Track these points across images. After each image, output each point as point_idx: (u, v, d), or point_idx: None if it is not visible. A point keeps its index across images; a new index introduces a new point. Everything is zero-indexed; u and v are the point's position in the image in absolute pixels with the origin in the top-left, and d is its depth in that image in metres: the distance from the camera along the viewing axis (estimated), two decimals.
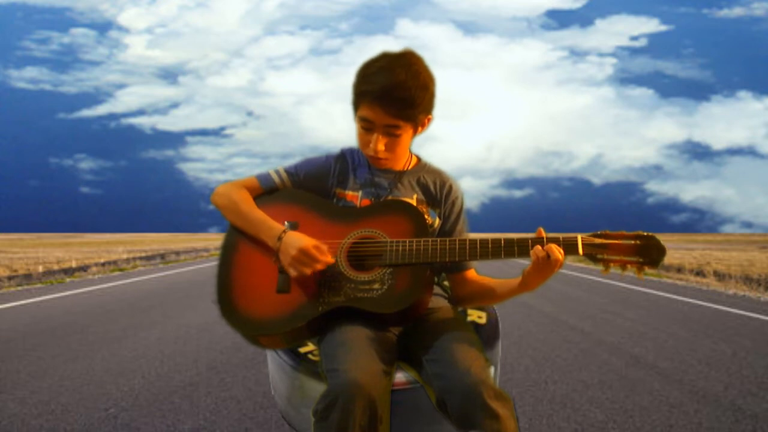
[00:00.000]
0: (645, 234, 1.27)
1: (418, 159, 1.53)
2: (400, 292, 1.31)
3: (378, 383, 1.16)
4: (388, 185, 1.46)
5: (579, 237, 1.28)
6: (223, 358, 3.63)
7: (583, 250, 1.27)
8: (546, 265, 1.26)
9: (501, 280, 1.44)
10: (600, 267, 1.28)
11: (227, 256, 1.44)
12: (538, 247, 1.27)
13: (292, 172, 1.48)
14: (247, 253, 1.42)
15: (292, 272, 1.33)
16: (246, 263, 1.41)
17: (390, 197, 1.44)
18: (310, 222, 1.40)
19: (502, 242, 1.30)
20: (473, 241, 1.31)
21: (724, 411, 2.58)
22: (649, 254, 1.26)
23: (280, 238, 1.35)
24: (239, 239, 1.44)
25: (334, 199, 1.47)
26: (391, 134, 1.38)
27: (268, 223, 1.39)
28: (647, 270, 1.27)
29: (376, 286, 1.32)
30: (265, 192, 1.48)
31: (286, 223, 1.40)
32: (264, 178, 1.48)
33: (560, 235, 1.29)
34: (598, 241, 1.28)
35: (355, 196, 1.45)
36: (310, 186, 1.47)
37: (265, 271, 1.38)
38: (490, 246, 1.30)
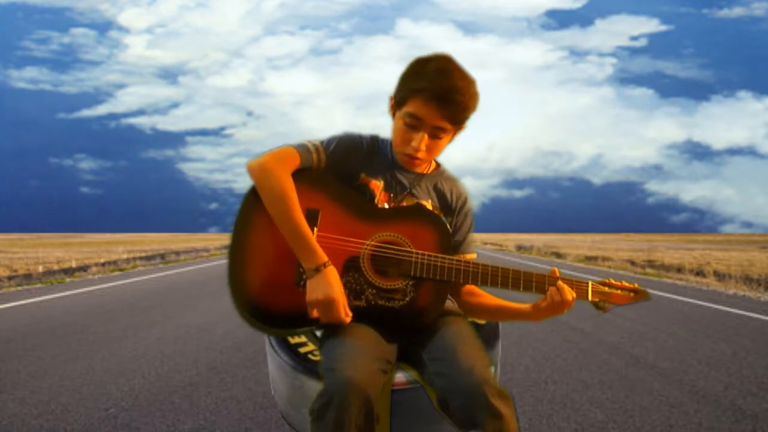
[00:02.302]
0: (641, 289, 1.42)
1: (437, 164, 1.53)
2: (421, 307, 1.33)
3: (374, 382, 1.17)
4: (407, 184, 1.45)
5: (590, 284, 1.40)
6: (223, 358, 3.63)
7: (592, 297, 1.39)
8: (559, 305, 1.35)
9: (504, 303, 1.46)
10: (598, 311, 1.42)
11: (245, 227, 1.36)
12: (554, 288, 1.35)
13: (330, 150, 1.41)
14: (267, 234, 1.34)
15: (309, 308, 1.30)
16: (264, 246, 1.34)
17: (408, 196, 1.44)
18: (333, 213, 1.36)
19: (522, 275, 1.36)
20: (496, 270, 1.36)
21: (724, 411, 2.58)
22: (636, 302, 1.43)
23: (318, 269, 1.29)
24: (261, 218, 1.35)
25: (358, 182, 1.43)
26: (436, 136, 1.37)
27: (310, 245, 1.30)
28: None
29: (398, 296, 1.33)
30: (301, 167, 1.39)
31: (307, 209, 1.35)
32: (302, 151, 1.38)
33: (573, 279, 1.39)
34: (605, 290, 1.41)
35: (378, 186, 1.43)
36: (343, 164, 1.41)
37: (284, 258, 1.33)
38: (510, 278, 1.36)
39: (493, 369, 1.33)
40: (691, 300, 7.12)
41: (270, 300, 1.33)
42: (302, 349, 1.47)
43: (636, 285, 1.43)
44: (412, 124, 1.36)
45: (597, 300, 1.40)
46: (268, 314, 1.33)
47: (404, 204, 1.43)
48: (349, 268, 1.34)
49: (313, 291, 1.28)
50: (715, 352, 3.91)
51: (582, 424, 2.41)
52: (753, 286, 8.53)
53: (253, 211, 1.36)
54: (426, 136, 1.37)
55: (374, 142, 1.47)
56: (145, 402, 2.69)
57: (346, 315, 1.30)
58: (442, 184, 1.50)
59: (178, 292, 7.92)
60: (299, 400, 1.38)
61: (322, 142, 1.42)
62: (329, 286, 1.28)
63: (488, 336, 1.54)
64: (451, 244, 1.38)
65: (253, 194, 1.36)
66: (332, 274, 1.30)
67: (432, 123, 1.35)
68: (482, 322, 1.62)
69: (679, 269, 11.54)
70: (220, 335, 4.36)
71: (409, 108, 1.35)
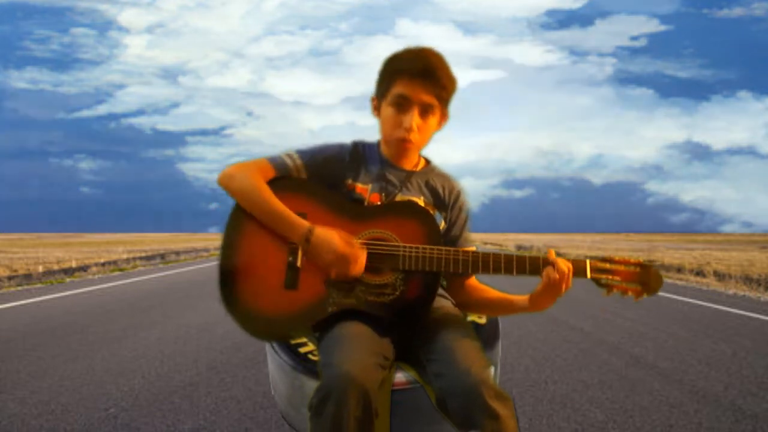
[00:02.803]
0: (647, 264, 1.36)
1: (427, 161, 1.53)
2: (411, 299, 1.32)
3: (371, 376, 1.17)
4: (398, 182, 1.46)
5: (587, 261, 1.35)
6: (223, 358, 3.63)
7: (591, 274, 1.34)
8: (556, 284, 1.31)
9: (503, 295, 1.45)
10: (602, 290, 1.36)
11: (231, 242, 1.38)
12: (550, 267, 1.32)
13: (306, 158, 1.43)
14: (253, 240, 1.37)
15: (334, 275, 1.31)
16: (252, 252, 1.37)
17: (399, 195, 1.44)
18: (319, 215, 1.37)
19: (515, 259, 1.34)
20: (487, 255, 1.35)
21: (724, 411, 2.58)
22: (648, 282, 1.35)
23: (308, 239, 1.31)
24: (245, 225, 1.38)
25: (344, 189, 1.44)
26: (425, 113, 1.40)
27: (291, 219, 1.33)
28: (644, 297, 1.35)
29: (388, 291, 1.33)
30: (277, 176, 1.42)
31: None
32: (276, 162, 1.41)
33: (570, 259, 1.35)
34: (605, 266, 1.35)
35: (365, 189, 1.44)
36: (323, 173, 1.43)
37: (273, 262, 1.35)
38: (503, 262, 1.34)
39: (492, 369, 1.33)
40: (691, 300, 7.12)
41: (264, 306, 1.34)
42: (302, 349, 1.47)
43: (641, 260, 1.37)
44: (401, 104, 1.39)
45: (599, 277, 1.35)
46: (264, 320, 1.34)
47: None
48: (362, 246, 1.34)
49: (320, 257, 1.31)
50: (715, 352, 3.91)
51: (582, 424, 2.40)
52: (753, 286, 8.53)
53: (236, 225, 1.39)
54: (416, 114, 1.39)
55: (357, 147, 1.48)
56: (145, 402, 2.69)
57: (358, 252, 1.30)
58: (433, 180, 1.50)
59: (178, 292, 7.92)
60: (299, 400, 1.38)
61: (298, 151, 1.44)
62: (330, 243, 1.30)
63: (488, 336, 1.54)
64: (440, 235, 1.38)
65: (235, 210, 1.39)
66: (324, 232, 1.32)
67: (420, 99, 1.38)
68: (482, 321, 1.62)
69: (679, 269, 11.54)
70: (220, 335, 4.35)
71: (395, 90, 1.39)
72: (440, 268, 1.33)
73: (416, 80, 1.37)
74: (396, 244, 1.34)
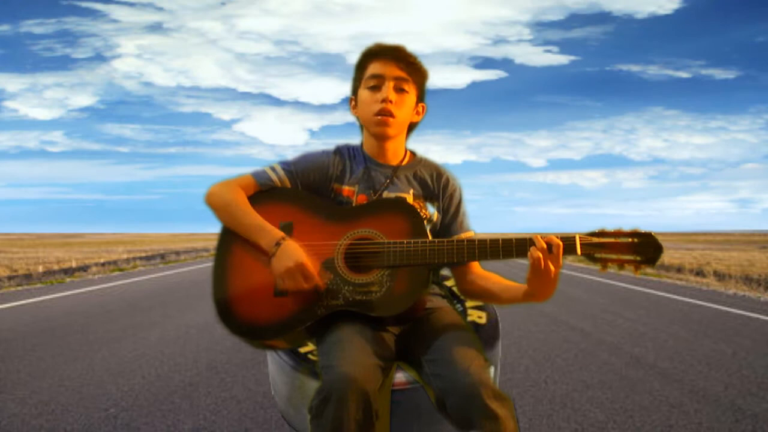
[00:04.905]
0: (642, 232, 1.25)
1: (413, 154, 1.53)
2: (399, 294, 1.31)
3: (371, 377, 1.16)
4: (384, 179, 1.45)
5: (577, 236, 1.26)
6: (223, 358, 3.63)
7: (581, 250, 1.26)
8: (540, 265, 1.24)
9: (507, 285, 1.42)
10: (597, 266, 1.27)
11: (222, 257, 1.41)
12: (534, 247, 1.25)
13: (289, 169, 1.45)
14: (242, 254, 1.39)
15: (281, 283, 1.31)
16: (242, 265, 1.39)
17: (386, 191, 1.44)
18: (305, 221, 1.38)
19: (500, 243, 1.28)
20: (471, 242, 1.31)
21: (724, 411, 2.58)
22: (646, 252, 1.24)
23: (278, 244, 1.33)
24: (234, 239, 1.41)
25: (332, 195, 1.45)
26: (400, 88, 1.42)
27: (264, 227, 1.36)
28: (644, 268, 1.26)
29: (375, 288, 1.31)
30: (262, 190, 1.44)
31: (280, 223, 1.38)
32: (260, 176, 1.44)
33: (558, 236, 1.27)
34: (595, 240, 1.26)
35: (352, 191, 1.44)
36: (308, 181, 1.45)
37: (262, 273, 1.36)
38: (488, 246, 1.29)
39: (492, 369, 1.32)
40: (691, 300, 7.12)
41: (258, 316, 1.35)
42: (302, 349, 1.47)
43: (637, 229, 1.25)
44: (376, 84, 1.42)
45: (591, 253, 1.25)
46: (255, 327, 1.34)
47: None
48: (325, 270, 1.34)
49: (280, 263, 1.31)
50: (715, 352, 3.91)
51: (582, 424, 2.40)
52: (753, 286, 8.54)
53: (225, 241, 1.43)
54: (391, 88, 1.41)
55: (341, 151, 1.49)
56: (145, 402, 2.69)
57: (315, 276, 1.30)
58: (421, 171, 1.49)
59: (179, 292, 7.92)
60: (299, 400, 1.38)
61: (284, 166, 1.46)
62: (294, 252, 1.30)
63: (488, 336, 1.54)
64: (425, 227, 1.36)
65: (223, 228, 1.43)
66: (293, 245, 1.33)
67: (393, 74, 1.41)
68: (482, 322, 1.62)
69: (679, 269, 11.55)
70: (220, 335, 4.35)
71: (370, 71, 1.43)
72: (425, 260, 1.31)
73: (388, 58, 1.41)
74: (380, 241, 1.34)
